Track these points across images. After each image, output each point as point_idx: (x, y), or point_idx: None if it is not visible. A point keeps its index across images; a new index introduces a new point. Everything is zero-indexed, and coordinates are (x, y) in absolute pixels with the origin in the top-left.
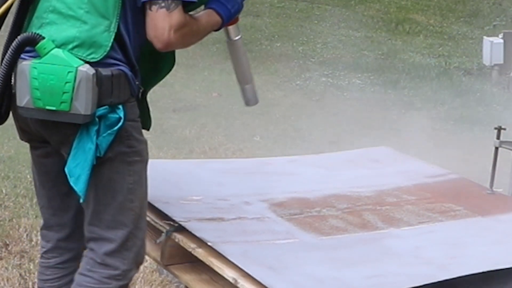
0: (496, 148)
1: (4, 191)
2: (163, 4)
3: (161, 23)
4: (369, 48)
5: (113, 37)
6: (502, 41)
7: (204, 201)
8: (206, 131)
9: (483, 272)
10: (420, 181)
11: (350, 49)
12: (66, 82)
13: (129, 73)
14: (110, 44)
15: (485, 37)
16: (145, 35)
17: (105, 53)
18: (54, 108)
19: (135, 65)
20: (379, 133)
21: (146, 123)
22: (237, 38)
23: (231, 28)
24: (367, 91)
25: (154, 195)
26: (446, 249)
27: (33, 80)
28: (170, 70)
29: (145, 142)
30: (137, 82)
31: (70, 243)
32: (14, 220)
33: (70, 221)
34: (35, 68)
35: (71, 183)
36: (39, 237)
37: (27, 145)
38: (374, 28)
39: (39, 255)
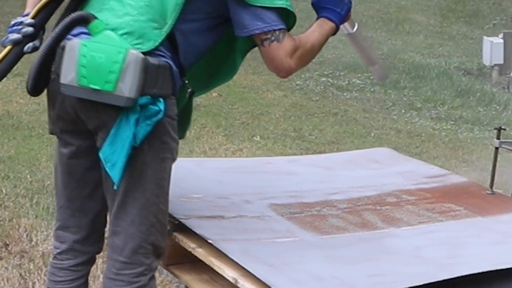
0: (496, 148)
1: (4, 191)
2: (273, 38)
3: (276, 55)
4: None
5: (164, 36)
6: (502, 41)
7: (204, 199)
8: (206, 131)
9: (483, 272)
10: (420, 181)
11: (350, 49)
12: (115, 62)
13: (174, 68)
14: (159, 41)
15: (485, 37)
16: (203, 53)
17: (152, 47)
18: (98, 87)
19: (185, 67)
20: (379, 133)
21: (186, 126)
22: (354, 30)
23: (346, 24)
24: (367, 91)
25: None
26: (446, 249)
27: (81, 57)
28: (225, 82)
29: (177, 142)
30: (186, 81)
31: (85, 246)
32: (14, 220)
33: (87, 224)
34: (85, 46)
35: (107, 169)
36: (39, 237)
37: (27, 145)
38: (374, 28)
39: (39, 255)
